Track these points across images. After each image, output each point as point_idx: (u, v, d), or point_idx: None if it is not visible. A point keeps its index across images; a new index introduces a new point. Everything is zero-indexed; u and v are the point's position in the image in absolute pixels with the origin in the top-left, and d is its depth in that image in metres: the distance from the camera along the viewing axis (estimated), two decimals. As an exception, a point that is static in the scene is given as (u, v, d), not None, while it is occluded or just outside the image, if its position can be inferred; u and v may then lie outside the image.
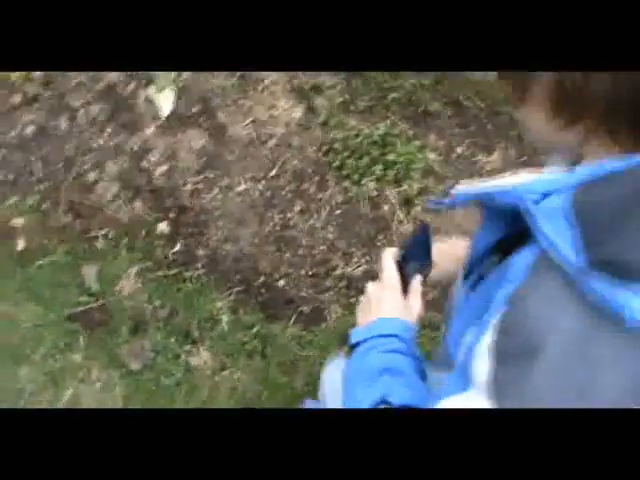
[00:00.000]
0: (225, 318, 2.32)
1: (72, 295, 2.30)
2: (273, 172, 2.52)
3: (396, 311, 1.16)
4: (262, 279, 2.38)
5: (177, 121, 2.56)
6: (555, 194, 0.76)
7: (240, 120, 2.59)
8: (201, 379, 2.23)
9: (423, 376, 1.09)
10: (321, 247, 2.41)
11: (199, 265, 2.38)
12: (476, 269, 1.03)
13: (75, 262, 2.34)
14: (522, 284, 0.79)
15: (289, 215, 2.47)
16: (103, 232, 2.38)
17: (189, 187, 2.47)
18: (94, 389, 2.21)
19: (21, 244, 2.33)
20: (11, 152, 2.50)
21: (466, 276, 1.08)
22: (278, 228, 2.45)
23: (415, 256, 1.26)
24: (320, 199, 2.51)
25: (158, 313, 2.31)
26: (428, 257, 1.27)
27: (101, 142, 2.50)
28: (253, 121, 2.60)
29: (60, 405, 2.17)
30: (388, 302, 1.18)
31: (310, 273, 2.41)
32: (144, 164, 2.49)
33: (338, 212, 2.50)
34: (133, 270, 2.35)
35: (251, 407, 2.15)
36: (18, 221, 2.36)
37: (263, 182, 2.50)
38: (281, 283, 2.38)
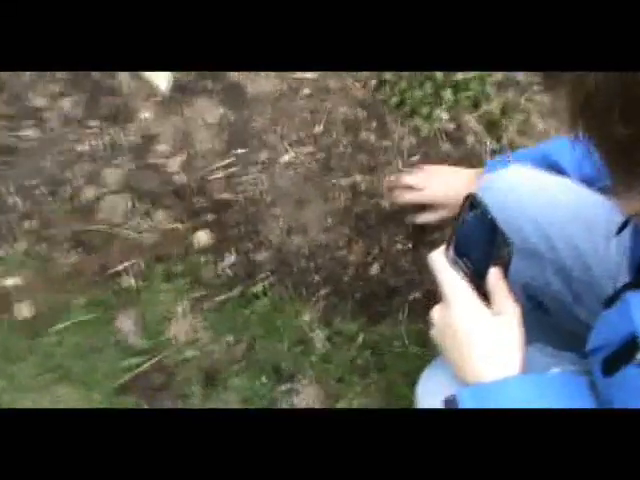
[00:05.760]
0: (320, 334, 1.73)
1: (114, 360, 1.67)
2: (320, 127, 1.90)
3: (490, 341, 0.94)
4: (351, 271, 1.80)
5: (179, 93, 1.91)
6: None
7: (256, 72, 1.96)
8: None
9: None
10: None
11: (266, 273, 1.77)
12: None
13: (105, 315, 1.70)
14: None
15: (357, 178, 1.87)
16: (127, 264, 1.75)
17: (220, 174, 1.84)
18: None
19: (25, 310, 1.68)
20: (-25, 189, 1.81)
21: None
22: (349, 197, 1.85)
23: (477, 243, 0.98)
24: (386, 148, 1.91)
25: (233, 352, 1.71)
26: (495, 240, 0.97)
27: (89, 145, 1.84)
28: (274, 69, 1.96)
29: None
30: (473, 334, 0.95)
31: (409, 246, 1.83)
32: (152, 160, 1.84)
33: (416, 158, 1.91)
34: (182, 305, 1.73)
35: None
36: (12, 281, 1.70)
37: (312, 143, 1.89)
38: (375, 270, 1.80)
